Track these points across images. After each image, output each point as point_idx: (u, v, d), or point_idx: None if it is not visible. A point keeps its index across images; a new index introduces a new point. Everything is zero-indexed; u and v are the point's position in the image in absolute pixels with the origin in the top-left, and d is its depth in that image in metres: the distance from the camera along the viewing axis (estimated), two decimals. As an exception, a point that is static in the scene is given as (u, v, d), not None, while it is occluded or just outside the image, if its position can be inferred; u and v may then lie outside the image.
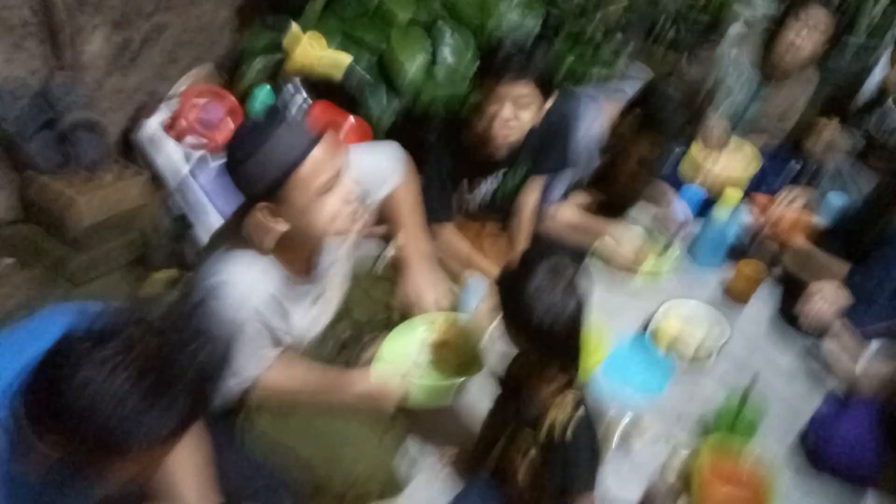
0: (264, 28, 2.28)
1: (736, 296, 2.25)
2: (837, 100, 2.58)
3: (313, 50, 2.17)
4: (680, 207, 2.40)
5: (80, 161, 1.99)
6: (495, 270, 2.02)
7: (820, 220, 2.36)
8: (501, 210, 2.14)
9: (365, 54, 2.23)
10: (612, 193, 2.31)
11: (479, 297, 1.84)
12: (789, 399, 2.00)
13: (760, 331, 2.21)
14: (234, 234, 1.32)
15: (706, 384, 2.01)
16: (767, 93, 2.59)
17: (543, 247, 2.14)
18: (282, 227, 1.27)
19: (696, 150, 2.52)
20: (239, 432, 1.46)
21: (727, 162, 2.52)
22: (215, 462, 1.27)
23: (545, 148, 2.03)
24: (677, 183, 2.48)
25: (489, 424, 1.56)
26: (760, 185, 2.57)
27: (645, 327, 2.13)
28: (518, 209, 2.13)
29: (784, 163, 2.64)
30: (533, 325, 1.26)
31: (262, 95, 2.25)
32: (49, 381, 0.84)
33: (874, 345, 1.95)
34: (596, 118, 2.18)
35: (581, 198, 2.31)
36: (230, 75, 2.30)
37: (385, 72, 2.25)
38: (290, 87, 2.24)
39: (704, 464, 1.67)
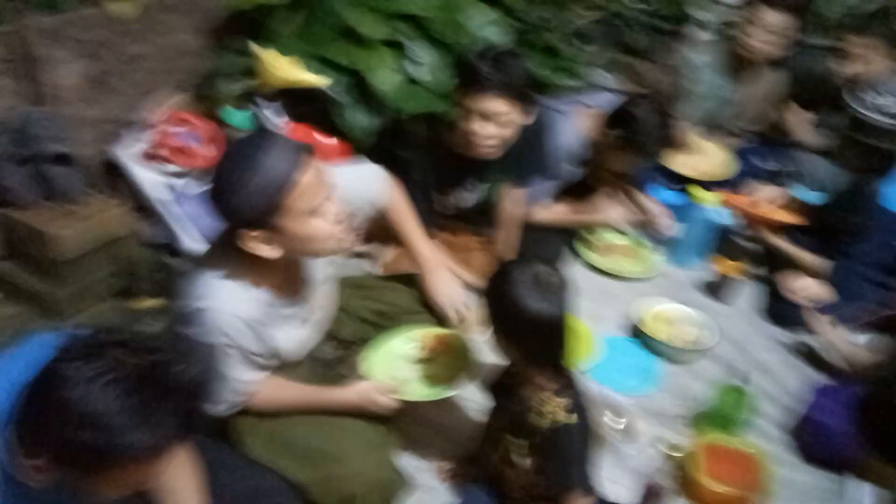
0: (237, 51, 2.30)
1: (726, 280, 2.26)
2: (808, 97, 2.60)
3: (287, 69, 2.19)
4: (659, 210, 2.40)
5: (60, 194, 2.00)
6: (481, 280, 2.03)
7: (803, 200, 2.37)
8: (484, 220, 2.15)
9: (338, 76, 2.25)
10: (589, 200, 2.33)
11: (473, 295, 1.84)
12: (784, 379, 2.00)
13: (745, 327, 2.21)
14: (219, 259, 1.32)
15: (701, 368, 2.02)
16: (741, 82, 2.61)
17: (527, 249, 2.15)
18: (275, 253, 1.27)
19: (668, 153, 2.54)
20: (238, 437, 1.46)
21: (701, 163, 2.54)
22: (210, 485, 1.27)
23: (523, 156, 2.04)
24: (655, 185, 2.51)
25: (485, 434, 1.55)
26: (741, 170, 2.58)
27: (632, 329, 2.13)
28: (500, 218, 2.15)
29: (758, 160, 2.66)
30: (522, 330, 1.26)
31: (239, 118, 2.26)
32: (41, 399, 0.86)
33: (861, 336, 1.96)
34: (571, 131, 2.20)
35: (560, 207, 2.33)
36: (206, 99, 2.31)
37: (361, 90, 2.26)
38: (265, 108, 2.25)
39: (698, 462, 1.66)
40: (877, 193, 2.01)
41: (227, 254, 1.31)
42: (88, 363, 0.84)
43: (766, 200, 2.34)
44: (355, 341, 1.65)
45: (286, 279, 1.40)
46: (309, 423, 1.45)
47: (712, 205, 2.33)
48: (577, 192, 2.32)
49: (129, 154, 2.16)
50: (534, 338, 1.28)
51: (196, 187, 2.16)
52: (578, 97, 2.33)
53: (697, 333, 2.08)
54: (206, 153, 2.18)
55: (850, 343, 1.93)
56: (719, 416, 1.78)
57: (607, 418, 1.77)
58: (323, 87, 2.22)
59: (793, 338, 2.14)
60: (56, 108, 2.03)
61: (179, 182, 2.16)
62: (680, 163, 2.51)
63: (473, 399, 1.69)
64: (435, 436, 1.72)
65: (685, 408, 1.88)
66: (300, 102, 2.26)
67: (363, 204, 1.61)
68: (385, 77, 2.25)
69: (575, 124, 2.21)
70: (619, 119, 2.11)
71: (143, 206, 2.15)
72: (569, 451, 1.30)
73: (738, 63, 2.56)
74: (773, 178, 2.57)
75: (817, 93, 2.57)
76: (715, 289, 2.28)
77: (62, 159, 1.98)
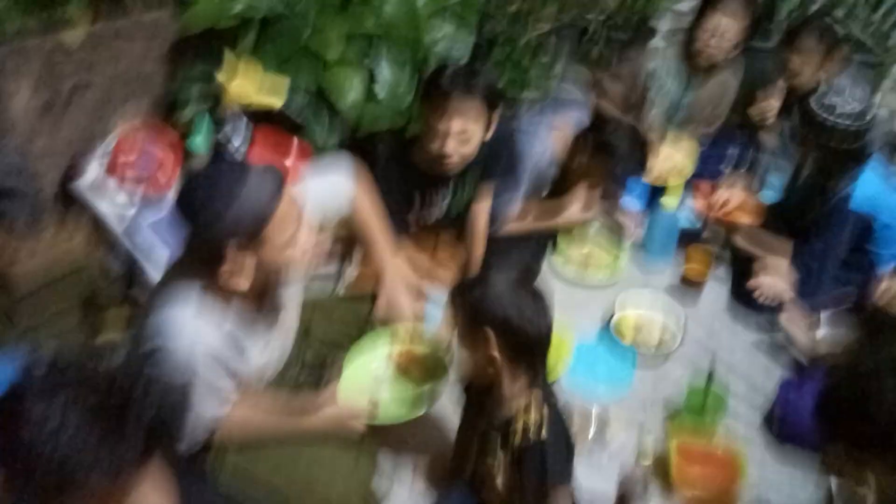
0: (195, 73, 2.27)
1: (691, 281, 2.29)
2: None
3: (250, 78, 2.17)
4: (629, 202, 2.44)
5: (19, 220, 1.94)
6: (455, 280, 2.04)
7: (763, 200, 2.42)
8: (456, 221, 2.16)
9: (298, 94, 2.23)
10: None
11: (441, 307, 1.85)
12: (753, 374, 2.04)
13: (719, 312, 2.27)
14: (182, 290, 1.30)
15: (671, 369, 2.05)
16: (698, 84, 2.66)
17: (502, 249, 2.17)
18: (244, 285, 1.26)
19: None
20: (211, 471, 1.44)
21: (668, 153, 2.58)
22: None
23: (493, 156, 2.05)
24: (624, 178, 2.52)
25: (461, 433, 1.56)
26: (703, 172, 2.63)
27: (606, 321, 2.16)
28: (472, 219, 2.16)
29: (723, 149, 2.71)
30: (500, 330, 1.27)
31: (203, 130, 2.23)
32: (3, 421, 0.86)
33: (824, 316, 2.00)
34: (540, 149, 2.23)
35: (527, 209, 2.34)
36: (168, 114, 2.28)
37: (322, 107, 2.25)
38: (230, 119, 2.23)
39: (675, 446, 1.69)
40: (840, 193, 2.01)
41: (189, 284, 1.29)
42: (43, 401, 0.84)
43: (730, 184, 2.37)
44: (332, 343, 1.64)
45: (251, 306, 1.39)
46: (273, 458, 1.43)
47: (673, 207, 2.37)
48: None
49: (85, 183, 2.11)
50: (516, 348, 1.29)
51: (155, 214, 2.13)
52: (545, 113, 2.36)
53: (664, 336, 2.10)
54: (164, 179, 2.14)
55: (810, 336, 1.97)
56: (689, 417, 1.81)
57: (578, 426, 1.78)
58: (279, 107, 2.21)
59: (759, 335, 2.17)
60: (5, 140, 1.98)
61: (137, 209, 2.12)
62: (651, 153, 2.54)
63: (446, 413, 1.70)
64: (411, 437, 1.72)
65: (662, 391, 1.91)
66: (261, 120, 2.24)
67: (334, 205, 1.62)
68: (345, 95, 2.24)
69: (544, 143, 2.24)
70: (589, 141, 2.16)
71: (102, 237, 2.11)
72: (549, 442, 1.30)
73: (693, 68, 2.61)
74: (738, 162, 2.61)
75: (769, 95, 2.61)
76: (680, 290, 2.31)
77: (18, 186, 1.93)
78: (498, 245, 2.20)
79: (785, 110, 2.53)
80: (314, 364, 1.64)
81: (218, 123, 2.24)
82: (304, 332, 1.65)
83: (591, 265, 2.39)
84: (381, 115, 2.26)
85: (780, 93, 2.48)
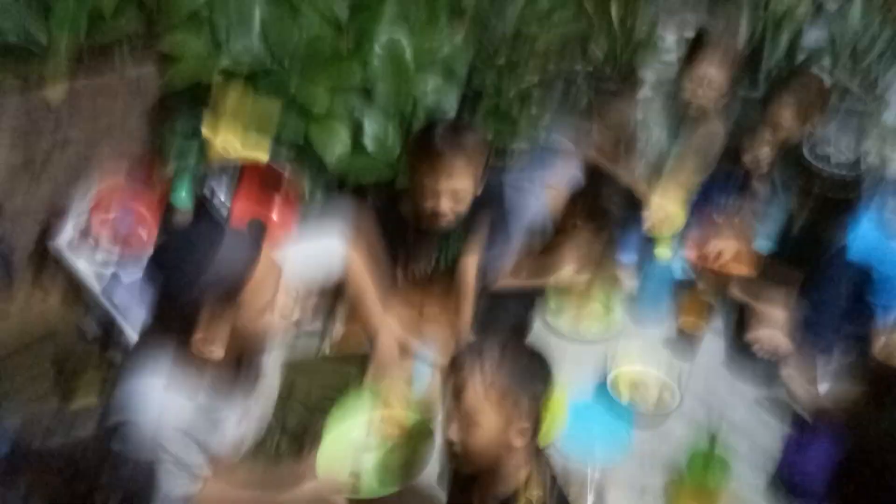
0: (181, 120, 2.25)
1: (688, 331, 2.24)
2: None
3: (234, 134, 2.15)
4: (622, 254, 2.40)
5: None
6: (444, 336, 1.98)
7: (760, 248, 2.38)
8: (445, 275, 2.12)
9: (284, 147, 2.22)
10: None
11: (430, 366, 1.78)
12: (755, 432, 1.98)
13: (717, 366, 2.21)
14: (153, 359, 1.25)
15: (671, 427, 1.98)
16: (686, 133, 2.66)
17: (492, 318, 2.12)
18: (219, 353, 1.22)
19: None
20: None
21: (659, 204, 2.55)
22: None
23: (482, 209, 2.02)
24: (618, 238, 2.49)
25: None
26: (695, 222, 2.60)
27: (602, 378, 2.09)
28: (461, 273, 2.12)
29: (715, 198, 2.69)
30: (496, 402, 1.21)
31: (186, 185, 2.20)
32: None
33: (826, 369, 1.95)
34: (534, 207, 2.22)
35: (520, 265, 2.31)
36: (151, 169, 2.24)
37: (308, 160, 2.23)
38: (215, 173, 2.20)
39: None
40: (837, 244, 1.99)
41: (161, 352, 1.24)
42: (4, 487, 0.81)
43: (724, 235, 2.34)
44: (303, 431, 1.56)
45: (227, 375, 1.33)
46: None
47: (667, 257, 2.33)
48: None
49: (63, 241, 2.07)
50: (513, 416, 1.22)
51: (135, 272, 2.07)
52: (536, 167, 2.34)
53: (663, 393, 2.03)
54: (146, 235, 2.11)
55: (811, 391, 1.91)
56: (692, 480, 1.73)
57: (586, 470, 1.71)
58: (264, 160, 2.18)
59: (759, 390, 2.11)
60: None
61: (117, 267, 2.08)
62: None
63: (432, 485, 1.61)
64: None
65: (664, 448, 1.85)
66: (247, 170, 2.21)
67: (322, 278, 1.57)
68: (332, 147, 2.22)
69: (539, 199, 2.23)
70: (585, 205, 2.16)
71: (79, 297, 2.05)
72: None
73: (681, 118, 2.62)
74: (734, 207, 2.59)
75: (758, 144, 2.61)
76: (676, 344, 2.25)
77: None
78: (490, 300, 2.16)
79: (775, 159, 2.52)
80: (295, 431, 1.58)
81: (202, 177, 2.21)
82: (286, 396, 1.59)
83: (585, 318, 2.34)
84: (368, 168, 2.24)
85: (769, 141, 2.48)
